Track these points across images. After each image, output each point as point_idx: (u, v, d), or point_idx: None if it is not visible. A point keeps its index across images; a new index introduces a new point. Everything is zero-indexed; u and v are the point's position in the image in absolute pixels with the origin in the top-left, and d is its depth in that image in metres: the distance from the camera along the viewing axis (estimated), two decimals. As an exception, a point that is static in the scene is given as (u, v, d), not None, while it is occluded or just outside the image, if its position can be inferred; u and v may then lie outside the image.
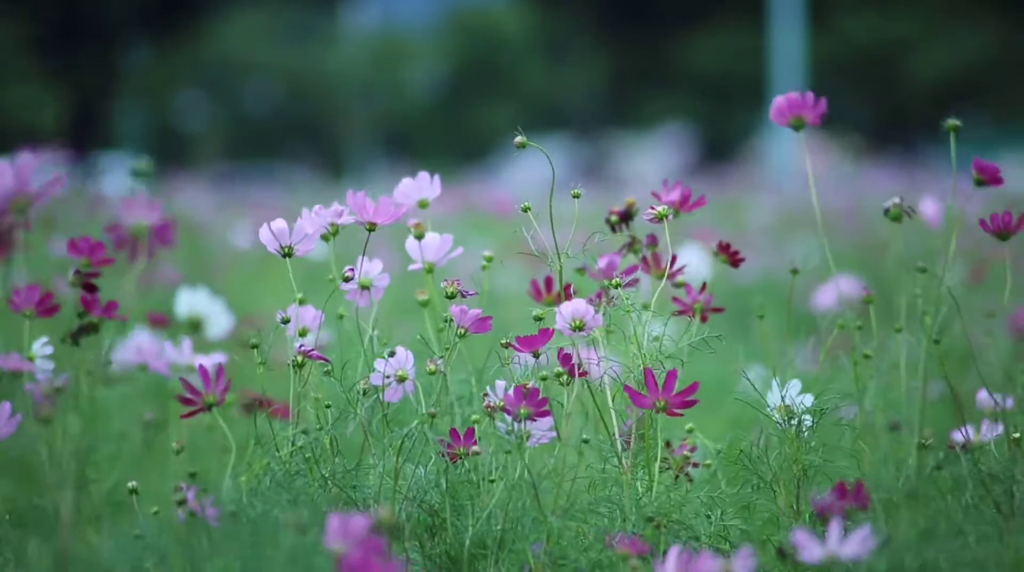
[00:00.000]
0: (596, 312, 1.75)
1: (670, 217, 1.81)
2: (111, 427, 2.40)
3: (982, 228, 1.79)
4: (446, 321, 1.76)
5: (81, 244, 1.72)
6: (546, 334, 1.74)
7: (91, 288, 1.73)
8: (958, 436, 1.85)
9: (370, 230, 1.79)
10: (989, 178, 1.77)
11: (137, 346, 2.24)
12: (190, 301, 2.55)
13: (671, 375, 1.69)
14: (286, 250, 1.76)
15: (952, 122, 1.78)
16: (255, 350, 1.74)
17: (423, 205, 1.88)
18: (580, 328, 1.74)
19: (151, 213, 1.57)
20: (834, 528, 1.48)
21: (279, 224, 1.76)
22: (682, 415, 1.72)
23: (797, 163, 14.70)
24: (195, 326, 2.56)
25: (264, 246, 1.78)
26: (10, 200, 1.54)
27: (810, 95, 1.84)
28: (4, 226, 1.55)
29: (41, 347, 1.79)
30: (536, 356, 1.73)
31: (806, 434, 1.76)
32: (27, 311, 1.74)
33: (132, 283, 1.58)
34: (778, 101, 1.84)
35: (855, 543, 1.47)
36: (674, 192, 1.90)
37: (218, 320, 2.57)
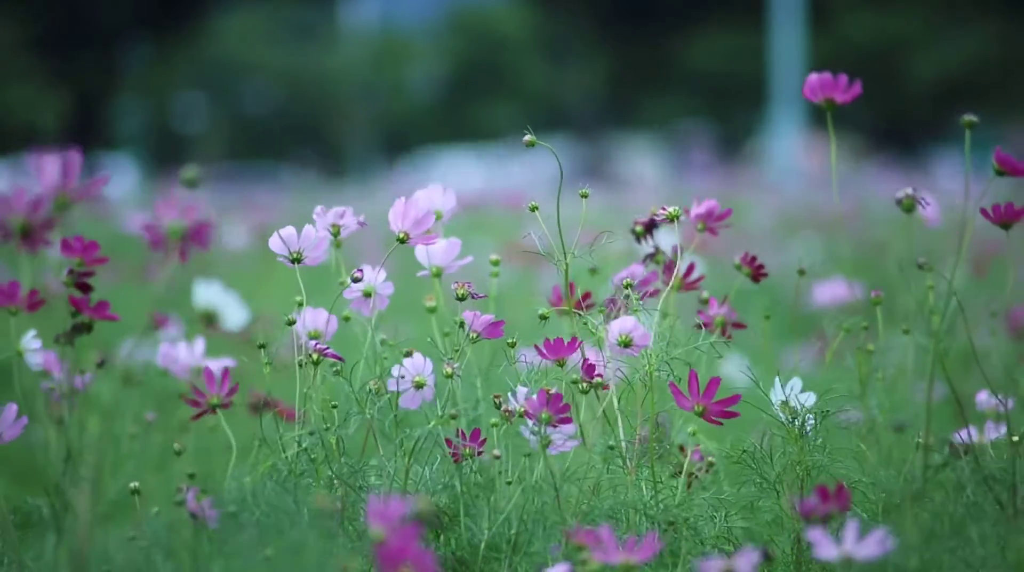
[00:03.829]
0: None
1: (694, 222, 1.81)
2: (117, 428, 2.40)
3: (984, 217, 1.79)
4: (458, 325, 1.75)
5: (75, 243, 1.71)
6: (574, 342, 1.73)
7: (85, 288, 1.72)
8: (959, 437, 1.85)
9: (401, 241, 1.78)
10: (1010, 169, 1.78)
11: (161, 350, 2.23)
12: (205, 294, 2.56)
13: (713, 382, 1.69)
14: (295, 256, 1.76)
15: (969, 118, 1.78)
16: (262, 350, 1.74)
17: (436, 217, 1.87)
18: (627, 344, 1.73)
19: (188, 214, 1.55)
20: (850, 529, 1.47)
21: (288, 231, 1.76)
22: (721, 423, 1.70)
23: (798, 163, 14.70)
24: (210, 319, 2.56)
25: (265, 248, 1.78)
26: (53, 195, 1.51)
27: (844, 77, 1.86)
28: (39, 220, 1.52)
29: (31, 340, 1.78)
30: (561, 365, 1.72)
31: (809, 434, 1.75)
32: (13, 308, 1.73)
33: (163, 284, 1.57)
34: (811, 78, 1.86)
35: (872, 544, 1.47)
36: (702, 207, 1.91)
37: (233, 313, 2.58)
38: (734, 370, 2.70)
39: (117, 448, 2.28)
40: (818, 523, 1.55)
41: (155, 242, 1.52)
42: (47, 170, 1.49)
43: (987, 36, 23.54)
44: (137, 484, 1.76)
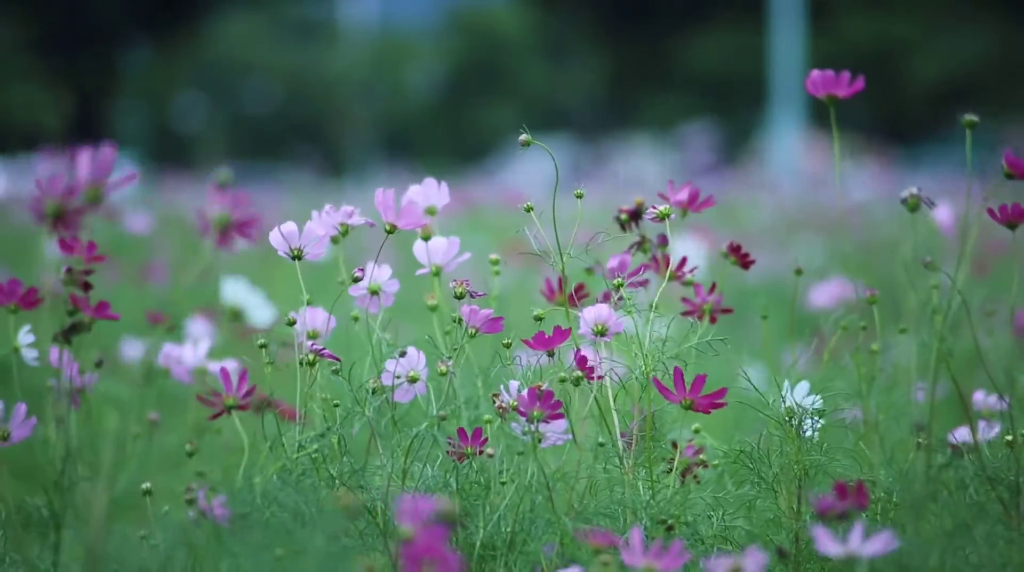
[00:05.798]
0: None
1: (673, 216, 1.81)
2: (122, 427, 2.40)
3: (991, 217, 1.79)
4: (455, 321, 1.75)
5: (73, 242, 1.72)
6: (563, 334, 1.73)
7: (86, 286, 1.73)
8: (960, 436, 1.85)
9: (389, 232, 1.77)
10: (1020, 172, 1.77)
11: (163, 351, 2.24)
12: (232, 291, 2.57)
13: (699, 378, 1.69)
14: (295, 253, 1.76)
15: (969, 118, 1.78)
16: (263, 350, 1.74)
17: (431, 212, 1.86)
18: (603, 333, 1.74)
19: (237, 206, 1.59)
20: (857, 529, 1.47)
21: (289, 227, 1.75)
22: (709, 412, 1.71)
23: (798, 162, 14.69)
24: (236, 316, 2.57)
25: (267, 249, 1.78)
26: (86, 187, 1.57)
27: (846, 73, 1.86)
28: (72, 207, 1.58)
29: (25, 335, 1.79)
30: (551, 355, 1.72)
31: (808, 433, 1.75)
32: (10, 306, 1.73)
33: (198, 273, 1.60)
34: (814, 74, 1.87)
35: (878, 544, 1.46)
36: (682, 192, 1.90)
37: (259, 310, 2.59)
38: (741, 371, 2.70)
39: (122, 447, 2.29)
40: (835, 521, 1.54)
41: (203, 228, 1.57)
42: (82, 163, 1.56)
43: (987, 36, 23.54)
44: (148, 485, 1.76)
